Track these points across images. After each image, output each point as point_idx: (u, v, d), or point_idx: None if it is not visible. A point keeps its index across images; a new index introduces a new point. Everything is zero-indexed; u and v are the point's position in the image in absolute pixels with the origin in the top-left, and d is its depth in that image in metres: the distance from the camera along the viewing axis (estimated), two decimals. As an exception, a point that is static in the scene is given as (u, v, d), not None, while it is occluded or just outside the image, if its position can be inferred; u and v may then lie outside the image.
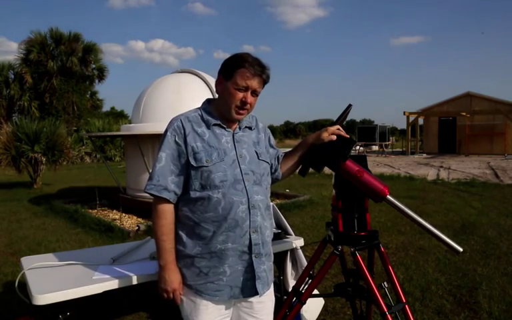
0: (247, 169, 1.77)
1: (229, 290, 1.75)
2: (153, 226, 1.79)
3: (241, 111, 1.77)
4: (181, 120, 1.78)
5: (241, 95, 1.74)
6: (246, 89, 1.73)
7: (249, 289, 1.77)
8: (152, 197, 1.77)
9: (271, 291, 1.91)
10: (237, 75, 1.72)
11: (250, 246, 1.74)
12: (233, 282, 1.75)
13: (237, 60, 1.75)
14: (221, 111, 1.80)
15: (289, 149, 2.10)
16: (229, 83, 1.75)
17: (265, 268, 1.81)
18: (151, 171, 1.78)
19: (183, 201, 1.77)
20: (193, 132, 1.76)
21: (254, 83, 1.73)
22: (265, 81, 1.79)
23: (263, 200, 1.80)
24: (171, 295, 1.77)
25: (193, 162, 1.72)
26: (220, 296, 1.75)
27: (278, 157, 2.04)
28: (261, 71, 1.74)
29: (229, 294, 1.76)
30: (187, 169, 1.74)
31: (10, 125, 12.87)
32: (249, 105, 1.76)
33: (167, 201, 1.74)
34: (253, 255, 1.75)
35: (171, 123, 1.80)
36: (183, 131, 1.75)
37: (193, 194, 1.73)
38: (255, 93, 1.77)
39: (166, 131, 1.79)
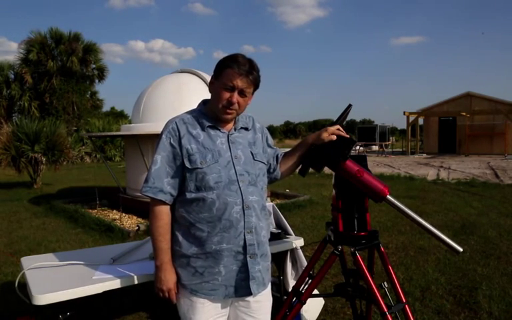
0: (242, 170, 1.78)
1: (224, 289, 1.77)
2: (149, 227, 1.81)
3: (229, 111, 1.76)
4: (175, 122, 1.80)
5: (227, 94, 1.74)
6: (232, 88, 1.74)
7: (243, 289, 1.78)
8: (149, 199, 1.79)
9: (268, 290, 1.91)
10: (224, 75, 1.74)
11: (245, 246, 1.75)
12: (228, 282, 1.76)
13: (226, 60, 1.76)
14: (213, 111, 1.81)
15: (288, 149, 2.10)
16: (217, 83, 1.77)
17: (259, 268, 1.81)
18: (147, 172, 1.80)
19: (179, 202, 1.79)
20: (187, 134, 1.77)
21: (240, 82, 1.73)
22: (253, 82, 1.77)
23: (258, 200, 1.80)
24: (166, 295, 1.79)
25: (187, 164, 1.74)
26: (215, 295, 1.77)
27: (277, 157, 2.04)
28: (247, 71, 1.73)
29: (224, 293, 1.77)
30: (183, 170, 1.75)
31: (10, 125, 12.88)
32: (236, 105, 1.75)
33: (163, 203, 1.76)
34: (247, 256, 1.76)
35: (166, 125, 1.82)
36: (177, 133, 1.76)
37: (189, 195, 1.75)
38: (243, 93, 1.76)
39: (161, 133, 1.81)
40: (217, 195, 1.72)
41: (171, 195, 1.77)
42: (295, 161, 2.04)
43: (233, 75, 1.72)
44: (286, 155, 2.06)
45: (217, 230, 1.72)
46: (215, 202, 1.72)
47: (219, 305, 1.80)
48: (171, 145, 1.76)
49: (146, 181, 1.77)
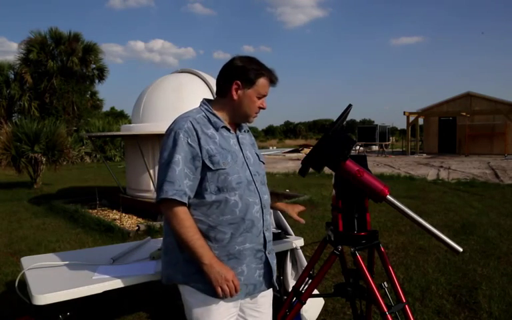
0: (254, 170, 1.83)
1: (245, 288, 1.79)
2: (176, 232, 1.68)
3: (256, 116, 1.87)
4: (191, 121, 1.74)
5: (259, 102, 1.83)
6: (264, 96, 1.84)
7: (261, 285, 1.84)
8: (162, 201, 1.68)
9: None
10: (260, 84, 1.80)
11: (264, 243, 1.82)
12: (248, 280, 1.79)
13: (258, 68, 1.80)
14: (233, 115, 1.83)
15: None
16: (250, 91, 1.80)
17: (275, 262, 1.92)
18: (165, 174, 1.69)
19: (195, 205, 1.73)
20: (203, 134, 1.73)
21: (268, 91, 1.85)
22: None
23: (268, 199, 1.89)
24: (232, 285, 1.67)
25: (210, 165, 1.70)
26: (237, 295, 1.75)
27: None
28: (277, 81, 1.87)
29: (245, 292, 1.79)
30: (202, 171, 1.72)
31: (10, 124, 12.87)
32: None
33: (184, 205, 1.69)
34: (266, 252, 1.83)
35: (179, 124, 1.74)
36: (195, 133, 1.72)
37: (209, 197, 1.71)
38: None
39: (175, 132, 1.71)
40: (239, 195, 1.73)
41: (189, 198, 1.71)
42: None
43: (267, 86, 1.83)
44: None
45: (241, 230, 1.74)
46: (237, 203, 1.72)
47: (231, 304, 1.78)
48: (189, 144, 1.69)
49: (171, 183, 1.66)
